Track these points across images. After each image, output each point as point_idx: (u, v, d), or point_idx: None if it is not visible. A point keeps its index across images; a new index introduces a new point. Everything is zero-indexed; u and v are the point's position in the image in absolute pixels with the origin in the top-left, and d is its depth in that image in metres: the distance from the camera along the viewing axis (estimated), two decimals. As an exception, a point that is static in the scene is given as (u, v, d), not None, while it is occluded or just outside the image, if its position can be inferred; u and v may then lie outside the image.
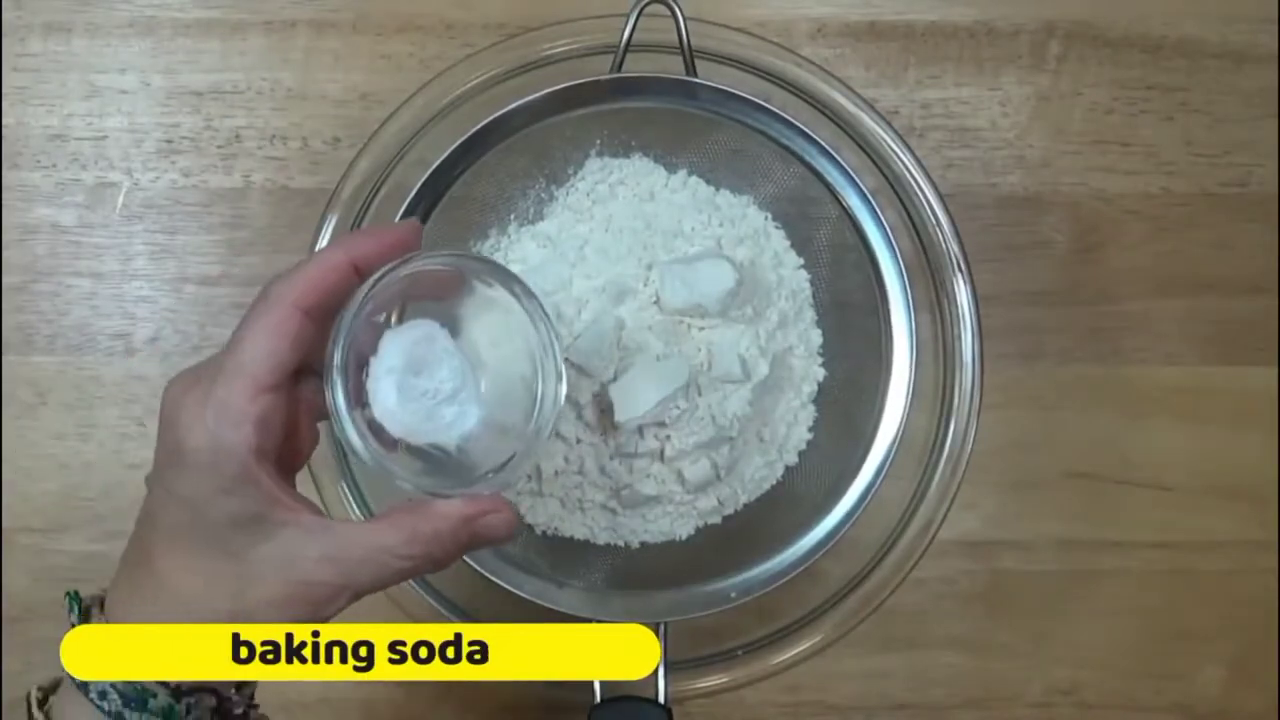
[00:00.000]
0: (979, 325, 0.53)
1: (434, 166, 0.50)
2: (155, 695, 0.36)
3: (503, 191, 0.55)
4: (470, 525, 0.38)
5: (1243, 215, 0.60)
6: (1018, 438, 0.58)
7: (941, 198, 0.54)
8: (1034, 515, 0.58)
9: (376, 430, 0.37)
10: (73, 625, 0.37)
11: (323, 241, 0.53)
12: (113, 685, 0.36)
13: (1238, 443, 0.59)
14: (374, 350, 0.38)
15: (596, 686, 0.49)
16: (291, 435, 0.38)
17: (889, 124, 0.54)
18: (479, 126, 0.50)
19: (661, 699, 0.49)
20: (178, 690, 0.36)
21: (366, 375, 0.38)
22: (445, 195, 0.51)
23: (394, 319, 0.39)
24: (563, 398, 0.39)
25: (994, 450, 0.56)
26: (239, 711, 0.38)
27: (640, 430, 0.51)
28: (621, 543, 0.54)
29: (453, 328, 0.39)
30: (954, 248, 0.53)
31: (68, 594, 0.38)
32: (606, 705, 0.49)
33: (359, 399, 0.37)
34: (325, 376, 0.36)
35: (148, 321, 0.58)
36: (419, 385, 0.38)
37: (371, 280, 0.37)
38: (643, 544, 0.54)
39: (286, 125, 0.59)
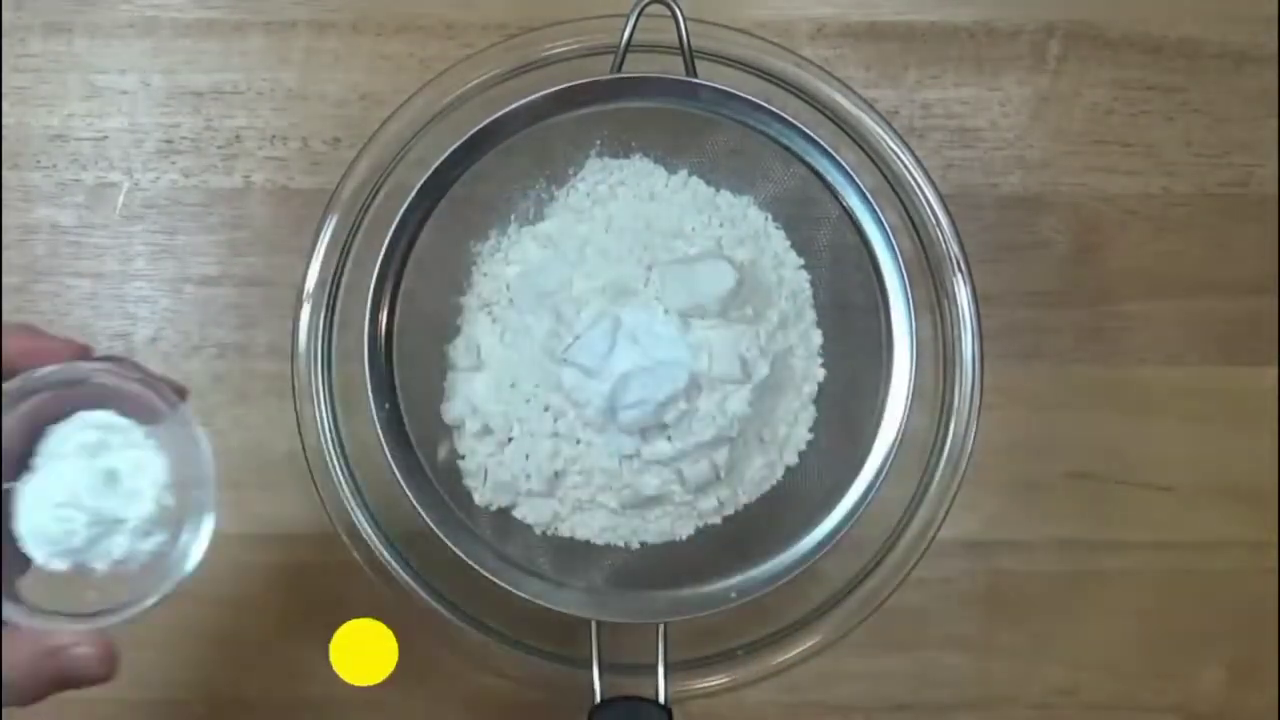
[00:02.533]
0: (979, 325, 0.53)
1: (434, 167, 0.50)
2: None
3: (503, 192, 0.55)
4: (55, 658, 0.35)
5: (1243, 215, 0.60)
6: (1018, 438, 0.58)
7: (942, 198, 0.54)
8: (1034, 515, 0.58)
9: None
10: None
11: (323, 242, 0.53)
12: None
13: (1238, 443, 0.59)
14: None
15: (597, 687, 0.49)
16: None
17: (889, 124, 0.54)
18: (479, 127, 0.50)
19: (661, 699, 0.49)
20: None
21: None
22: (445, 195, 0.51)
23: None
24: (205, 539, 0.37)
25: (994, 450, 0.56)
26: None
27: (641, 431, 0.51)
28: (621, 543, 0.54)
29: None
30: (954, 248, 0.53)
31: None
32: (606, 705, 0.49)
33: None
34: None
35: (148, 322, 0.59)
36: (62, 491, 0.36)
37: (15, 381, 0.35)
38: (643, 544, 0.54)
39: (287, 125, 0.59)
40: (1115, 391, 0.59)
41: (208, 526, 0.37)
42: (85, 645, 0.35)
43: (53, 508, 0.36)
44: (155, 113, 0.59)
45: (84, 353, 0.37)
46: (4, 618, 0.35)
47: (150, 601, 0.36)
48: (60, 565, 0.36)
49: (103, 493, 0.36)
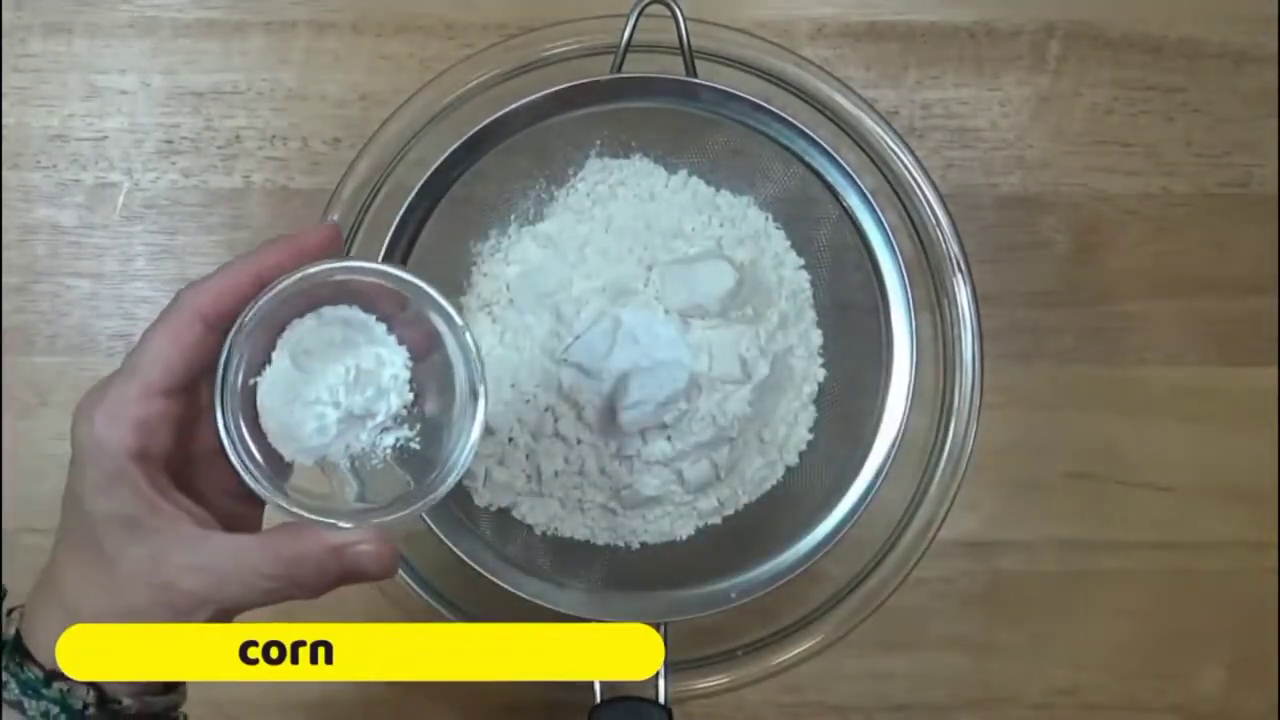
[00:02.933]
0: (979, 325, 0.53)
1: (434, 167, 0.50)
2: (47, 684, 0.36)
3: (503, 192, 0.55)
4: (339, 555, 0.36)
5: (1243, 215, 0.60)
6: (1018, 438, 0.58)
7: (942, 198, 0.54)
8: (1034, 515, 0.58)
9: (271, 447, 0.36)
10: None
11: (323, 242, 0.53)
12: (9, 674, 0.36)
13: (1238, 443, 0.59)
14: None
15: (596, 687, 0.49)
16: (187, 443, 0.37)
17: (889, 124, 0.54)
18: (479, 127, 0.50)
19: (661, 699, 0.49)
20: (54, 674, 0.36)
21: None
22: (445, 195, 0.51)
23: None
24: (476, 439, 0.37)
25: (994, 450, 0.56)
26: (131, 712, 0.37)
27: (641, 431, 0.51)
28: (621, 543, 0.54)
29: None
30: (954, 248, 0.53)
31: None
32: (606, 705, 0.49)
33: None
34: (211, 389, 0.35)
35: (148, 322, 0.58)
36: (312, 388, 0.36)
37: (264, 292, 0.36)
38: (643, 544, 0.54)
39: (286, 125, 0.59)
40: (1115, 391, 0.59)
41: (480, 414, 0.37)
42: (368, 543, 0.36)
43: (301, 405, 0.36)
44: (155, 113, 0.59)
45: (336, 238, 0.39)
46: (286, 517, 0.36)
47: (435, 495, 0.36)
48: (306, 461, 0.37)
49: (350, 389, 0.36)
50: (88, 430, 0.35)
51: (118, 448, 0.35)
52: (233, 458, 0.35)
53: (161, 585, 0.36)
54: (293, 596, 0.37)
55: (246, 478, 0.35)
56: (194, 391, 0.37)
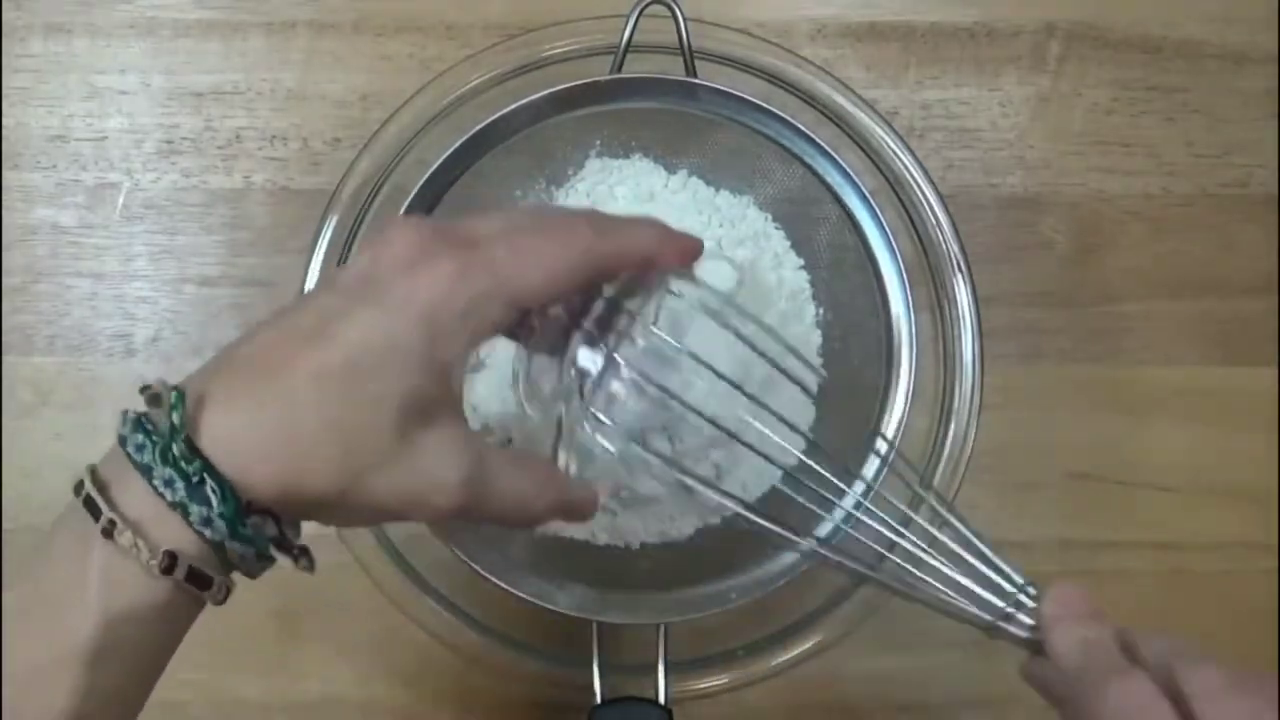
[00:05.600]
0: (979, 326, 0.53)
1: (434, 167, 0.50)
2: (225, 498, 0.32)
3: (503, 192, 0.55)
4: (558, 483, 0.39)
5: (1243, 216, 0.60)
6: (1018, 438, 0.58)
7: (942, 198, 0.54)
8: (1034, 516, 0.58)
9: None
10: (174, 423, 0.32)
11: (323, 243, 0.52)
12: (180, 475, 0.32)
13: (1238, 443, 0.59)
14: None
15: (597, 687, 0.49)
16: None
17: (889, 125, 0.54)
18: (479, 127, 0.50)
19: (661, 699, 0.49)
20: (247, 505, 0.33)
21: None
22: (445, 196, 0.51)
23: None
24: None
25: (994, 451, 0.56)
26: (295, 551, 0.36)
27: (641, 431, 0.51)
28: (621, 543, 0.54)
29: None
30: (954, 248, 0.53)
31: (175, 389, 0.33)
32: (607, 705, 0.49)
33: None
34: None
35: (148, 322, 0.59)
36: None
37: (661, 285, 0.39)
38: (643, 544, 0.54)
39: (287, 126, 0.59)
40: (1115, 391, 0.59)
41: None
42: (581, 488, 0.40)
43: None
44: (155, 113, 0.59)
45: (696, 253, 0.40)
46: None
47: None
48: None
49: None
50: (444, 311, 0.34)
51: (464, 345, 0.34)
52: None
53: (435, 485, 0.35)
54: (524, 523, 0.38)
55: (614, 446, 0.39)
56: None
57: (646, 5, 0.50)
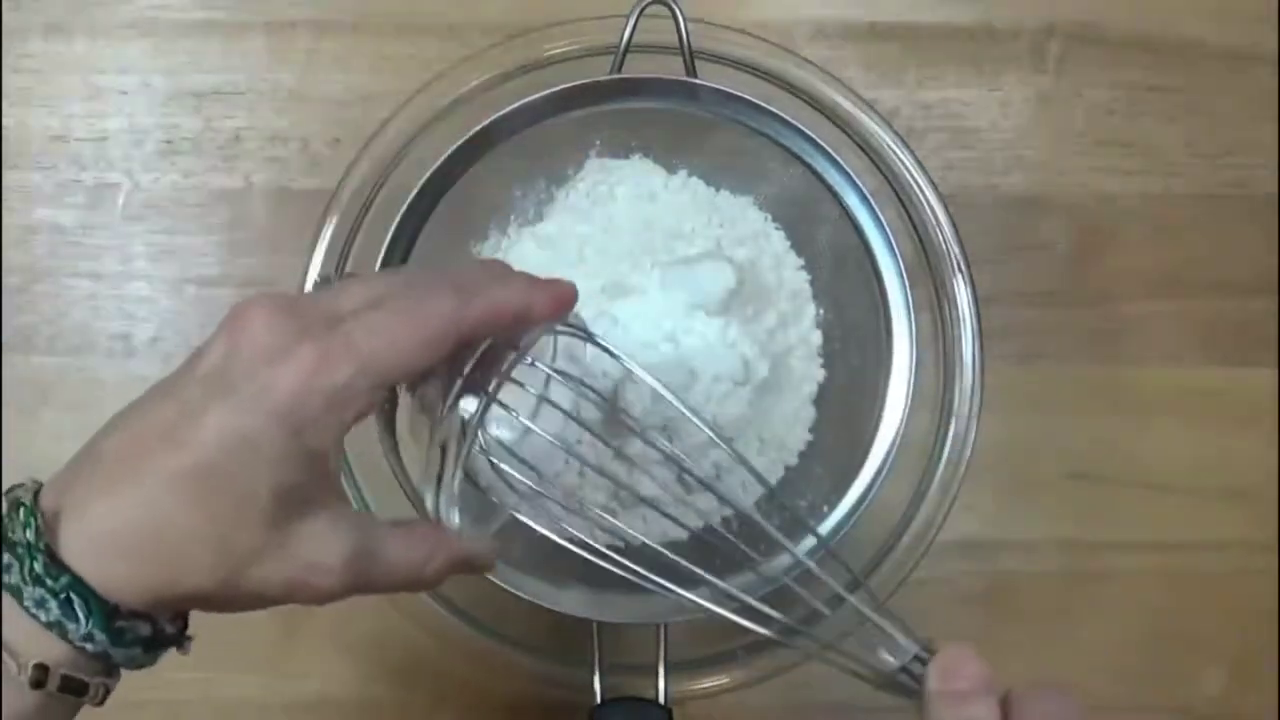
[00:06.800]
0: (979, 326, 0.53)
1: (434, 167, 0.50)
2: (92, 612, 0.32)
3: (503, 192, 0.55)
4: (450, 545, 0.39)
5: (1243, 216, 0.60)
6: (1018, 439, 0.58)
7: (942, 198, 0.54)
8: (1034, 516, 0.58)
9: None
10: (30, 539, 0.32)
11: (323, 243, 0.52)
12: (49, 593, 0.32)
13: (1238, 443, 0.59)
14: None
15: (597, 687, 0.49)
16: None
17: (889, 125, 0.54)
18: (479, 128, 0.50)
19: (661, 699, 0.49)
20: (115, 610, 0.33)
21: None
22: (445, 196, 0.51)
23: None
24: None
25: (994, 451, 0.56)
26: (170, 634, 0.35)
27: (641, 430, 0.51)
28: (621, 543, 0.54)
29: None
30: (954, 248, 0.53)
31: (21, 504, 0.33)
32: (607, 705, 0.49)
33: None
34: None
35: (148, 322, 0.59)
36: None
37: (522, 353, 0.38)
38: (643, 544, 0.54)
39: (287, 126, 0.59)
40: (1115, 391, 0.59)
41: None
42: (474, 542, 0.40)
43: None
44: (155, 113, 0.59)
45: (570, 302, 0.40)
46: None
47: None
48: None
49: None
50: (309, 401, 0.33)
51: (337, 433, 0.34)
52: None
53: (314, 567, 0.34)
54: (419, 588, 0.39)
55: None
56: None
57: (646, 5, 0.50)
